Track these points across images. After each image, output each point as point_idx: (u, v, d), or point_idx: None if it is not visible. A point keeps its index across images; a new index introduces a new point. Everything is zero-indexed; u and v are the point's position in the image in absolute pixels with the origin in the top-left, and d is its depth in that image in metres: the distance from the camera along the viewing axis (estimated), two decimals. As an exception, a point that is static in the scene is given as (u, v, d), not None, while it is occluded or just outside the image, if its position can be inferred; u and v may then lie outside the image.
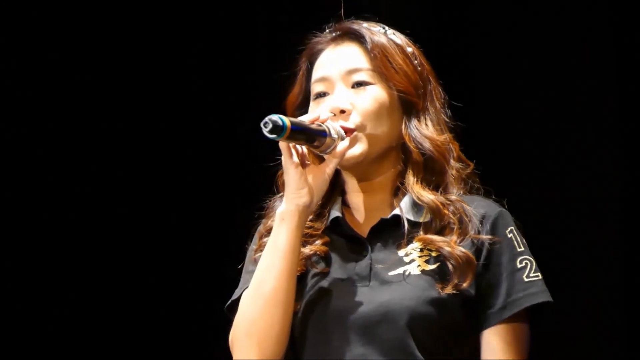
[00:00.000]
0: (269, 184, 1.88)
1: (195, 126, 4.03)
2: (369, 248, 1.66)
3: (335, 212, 1.70)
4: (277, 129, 1.60)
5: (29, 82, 3.99)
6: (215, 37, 3.97)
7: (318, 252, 1.65)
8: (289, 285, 1.59)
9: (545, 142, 3.31)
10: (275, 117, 1.60)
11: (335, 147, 1.65)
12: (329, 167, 1.65)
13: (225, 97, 4.03)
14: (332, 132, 1.65)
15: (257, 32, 4.03)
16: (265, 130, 1.60)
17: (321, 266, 1.64)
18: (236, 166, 3.99)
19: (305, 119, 1.66)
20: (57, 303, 4.12)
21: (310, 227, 1.66)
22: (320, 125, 1.64)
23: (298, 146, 1.65)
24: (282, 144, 1.66)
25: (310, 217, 1.67)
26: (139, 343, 4.08)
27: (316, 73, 1.74)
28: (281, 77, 1.91)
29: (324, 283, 1.62)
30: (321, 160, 1.68)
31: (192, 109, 4.05)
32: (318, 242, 1.65)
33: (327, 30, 1.78)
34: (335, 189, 1.72)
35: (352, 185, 1.73)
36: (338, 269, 1.64)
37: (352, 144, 1.65)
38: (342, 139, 1.65)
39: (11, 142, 4.00)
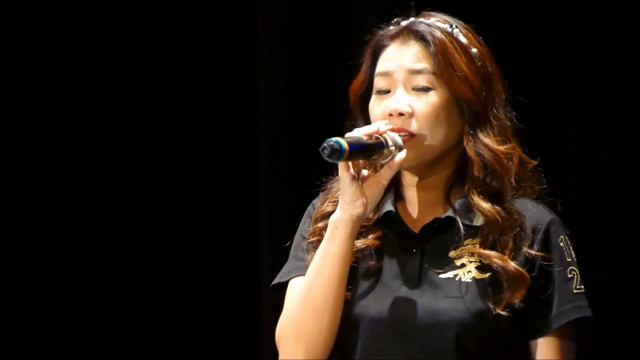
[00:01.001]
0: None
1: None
2: (420, 246, 1.66)
3: (389, 206, 1.70)
4: (336, 153, 1.61)
5: (30, 82, 4.02)
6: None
7: (370, 245, 1.66)
8: (338, 292, 1.60)
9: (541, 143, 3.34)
10: (333, 141, 1.61)
11: (392, 157, 1.65)
12: (385, 177, 1.66)
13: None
14: (390, 143, 1.65)
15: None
16: (324, 156, 1.61)
17: (372, 261, 1.65)
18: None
19: (363, 131, 1.66)
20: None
21: (374, 219, 1.70)
22: (378, 138, 1.64)
23: (374, 160, 1.68)
24: (359, 162, 1.67)
25: (377, 209, 1.71)
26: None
27: (380, 67, 1.71)
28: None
29: (374, 280, 1.64)
30: (377, 168, 1.69)
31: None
32: (371, 235, 1.66)
33: (395, 23, 1.74)
34: (390, 182, 1.70)
35: (407, 180, 1.72)
36: (388, 266, 1.65)
37: (408, 148, 1.65)
38: (400, 149, 1.65)
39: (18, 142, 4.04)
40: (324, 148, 1.61)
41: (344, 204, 1.63)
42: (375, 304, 1.63)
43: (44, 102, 4.08)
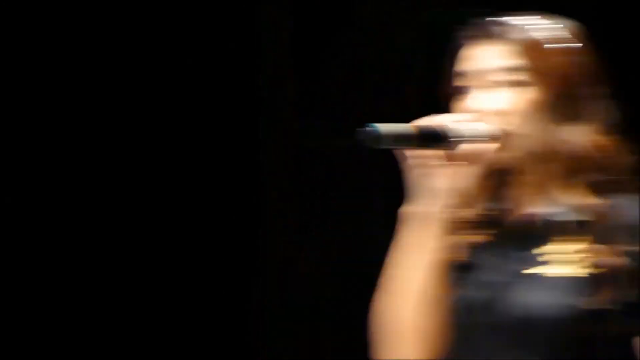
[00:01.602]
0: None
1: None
2: (525, 241, 1.63)
3: (494, 202, 1.66)
4: (372, 137, 1.57)
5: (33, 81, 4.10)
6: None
7: (474, 240, 1.63)
8: (434, 282, 1.60)
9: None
10: (370, 126, 1.56)
11: (473, 150, 1.61)
12: (471, 171, 1.60)
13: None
14: (460, 135, 1.61)
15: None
16: (364, 142, 1.54)
17: (475, 254, 1.63)
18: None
19: (426, 122, 1.61)
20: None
21: (467, 214, 1.64)
22: (441, 128, 1.59)
23: (437, 151, 1.60)
24: (413, 152, 1.61)
25: (471, 204, 1.64)
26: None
27: (464, 65, 1.67)
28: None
29: (477, 275, 1.62)
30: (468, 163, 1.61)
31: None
32: (475, 230, 1.63)
33: (481, 21, 1.69)
34: (497, 179, 1.66)
35: (511, 178, 1.65)
36: (490, 259, 1.63)
37: (501, 147, 1.59)
38: (485, 141, 1.62)
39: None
40: (361, 132, 1.55)
41: (430, 197, 1.62)
42: (475, 300, 1.59)
43: (47, 101, 4.16)
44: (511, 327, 1.56)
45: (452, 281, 1.60)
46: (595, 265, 1.55)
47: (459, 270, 1.61)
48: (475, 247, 1.62)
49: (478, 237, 1.62)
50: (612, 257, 1.56)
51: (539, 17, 1.65)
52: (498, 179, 1.63)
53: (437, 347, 1.60)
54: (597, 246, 1.57)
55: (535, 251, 1.58)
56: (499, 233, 1.63)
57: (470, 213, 1.63)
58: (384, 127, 1.56)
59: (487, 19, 1.64)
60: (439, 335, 1.59)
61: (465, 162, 1.59)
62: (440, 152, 1.59)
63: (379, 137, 1.55)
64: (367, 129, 1.54)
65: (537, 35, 1.61)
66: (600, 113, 1.61)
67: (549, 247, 1.58)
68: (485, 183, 1.63)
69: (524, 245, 1.59)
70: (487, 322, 1.57)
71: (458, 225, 1.63)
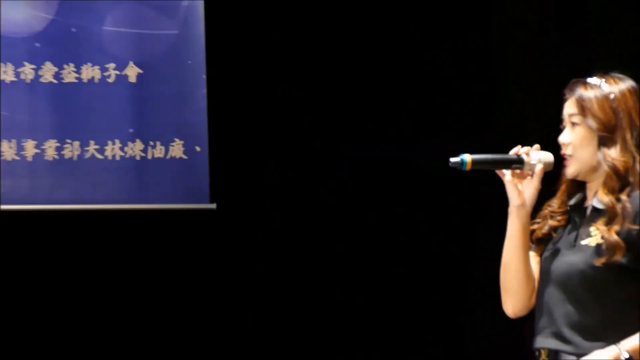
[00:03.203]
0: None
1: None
2: (580, 224, 2.49)
3: (572, 201, 2.52)
4: (459, 164, 2.46)
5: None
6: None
7: (556, 225, 2.53)
8: (520, 255, 2.48)
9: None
10: (460, 157, 2.47)
11: (533, 168, 2.49)
12: (534, 182, 2.50)
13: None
14: (532, 159, 2.50)
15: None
16: (451, 164, 2.47)
17: (557, 233, 2.48)
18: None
19: (512, 151, 2.49)
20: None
21: (555, 208, 2.54)
22: (518, 156, 2.49)
23: (512, 170, 2.50)
24: (502, 172, 2.49)
25: (554, 202, 2.54)
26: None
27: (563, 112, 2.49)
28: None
29: (554, 246, 2.51)
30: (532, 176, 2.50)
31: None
32: (558, 218, 2.53)
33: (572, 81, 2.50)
34: (571, 184, 2.53)
35: (578, 184, 2.52)
36: (563, 236, 2.52)
37: (567, 166, 2.43)
38: (542, 163, 2.48)
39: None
40: (453, 162, 2.48)
41: (510, 200, 2.49)
42: (549, 263, 2.48)
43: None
44: (559, 276, 2.45)
45: (545, 251, 2.52)
46: (612, 239, 2.39)
47: (545, 241, 2.53)
48: (556, 227, 2.53)
49: (559, 221, 2.53)
50: (612, 234, 2.39)
51: (605, 77, 2.47)
52: (571, 184, 2.54)
53: (531, 288, 2.52)
54: (605, 230, 2.40)
55: (584, 230, 2.47)
56: (570, 218, 2.53)
57: (552, 207, 2.54)
58: (473, 156, 2.47)
59: (574, 80, 2.53)
60: (530, 281, 2.52)
61: (536, 178, 2.49)
62: (515, 171, 2.51)
63: (463, 162, 2.46)
64: (459, 157, 2.46)
65: (589, 94, 2.47)
66: (627, 141, 2.45)
67: (590, 227, 2.46)
68: (563, 188, 2.54)
69: (580, 225, 2.50)
70: (551, 273, 2.47)
71: (544, 215, 2.54)
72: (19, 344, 5.86)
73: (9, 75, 4.68)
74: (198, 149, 5.03)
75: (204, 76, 4.90)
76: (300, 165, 5.50)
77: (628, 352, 2.36)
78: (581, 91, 2.49)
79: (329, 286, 5.65)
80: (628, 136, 2.45)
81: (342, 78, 5.65)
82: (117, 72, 4.69)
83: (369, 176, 5.40)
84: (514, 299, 2.57)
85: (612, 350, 2.36)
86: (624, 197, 2.43)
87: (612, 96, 2.46)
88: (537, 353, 2.48)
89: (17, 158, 4.79)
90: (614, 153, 2.45)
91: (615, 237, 2.40)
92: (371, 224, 5.47)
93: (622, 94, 2.48)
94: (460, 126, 5.44)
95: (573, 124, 2.50)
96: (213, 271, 5.65)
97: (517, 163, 2.51)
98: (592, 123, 2.46)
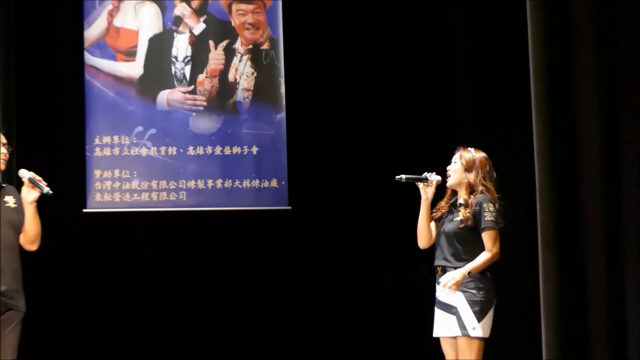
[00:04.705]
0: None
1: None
2: (453, 210, 4.67)
3: (451, 200, 4.74)
4: (401, 179, 4.61)
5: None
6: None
7: (444, 212, 4.68)
8: (425, 223, 4.65)
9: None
10: (398, 177, 4.57)
11: (432, 183, 4.65)
12: (432, 189, 4.69)
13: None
14: (431, 178, 4.64)
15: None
16: (400, 180, 4.63)
17: (444, 216, 4.70)
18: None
19: (423, 174, 4.65)
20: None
21: (443, 204, 4.69)
22: (427, 177, 4.65)
23: (423, 183, 4.69)
24: (418, 184, 4.64)
25: (443, 202, 4.68)
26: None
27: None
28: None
29: (443, 220, 4.65)
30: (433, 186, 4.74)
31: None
32: (444, 208, 4.67)
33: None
34: (453, 193, 4.71)
35: (454, 192, 4.73)
36: (447, 216, 4.68)
37: (449, 181, 4.64)
38: (434, 180, 4.64)
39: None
40: (399, 179, 4.60)
41: (421, 197, 4.67)
42: (440, 226, 4.68)
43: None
44: (446, 233, 4.59)
45: (440, 222, 4.54)
46: (466, 215, 4.53)
47: (439, 219, 4.53)
48: (444, 213, 4.54)
49: (445, 209, 4.56)
50: (466, 213, 4.53)
51: (470, 151, 4.60)
52: (451, 192, 4.59)
53: (430, 237, 4.54)
54: (462, 212, 4.55)
55: (455, 213, 4.51)
56: (450, 208, 4.52)
57: (442, 204, 4.59)
58: (406, 175, 4.58)
59: (460, 146, 4.69)
60: (429, 234, 4.55)
61: (432, 187, 4.56)
62: (424, 183, 4.58)
63: (400, 179, 4.61)
64: (400, 176, 4.49)
65: (465, 153, 4.59)
66: (479, 174, 4.54)
67: (459, 211, 4.49)
68: (447, 193, 4.58)
69: (454, 211, 4.52)
70: (442, 231, 4.50)
71: (438, 207, 4.58)
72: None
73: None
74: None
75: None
76: (354, 174, 6.67)
77: (470, 270, 4.47)
78: (462, 152, 4.73)
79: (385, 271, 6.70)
80: (479, 172, 4.67)
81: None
82: (250, 150, 6.94)
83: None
84: (422, 241, 4.74)
85: (461, 270, 4.49)
86: (472, 198, 4.65)
87: (474, 156, 4.71)
88: (436, 269, 4.62)
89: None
90: (470, 178, 4.69)
91: (468, 215, 4.61)
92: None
93: (480, 157, 4.71)
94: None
95: (455, 162, 4.72)
96: (290, 258, 6.92)
97: (425, 180, 4.73)
98: (463, 163, 4.70)
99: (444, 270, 4.60)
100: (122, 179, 6.76)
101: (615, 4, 5.19)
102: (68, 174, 6.64)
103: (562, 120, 5.29)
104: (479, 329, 4.45)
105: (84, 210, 6.74)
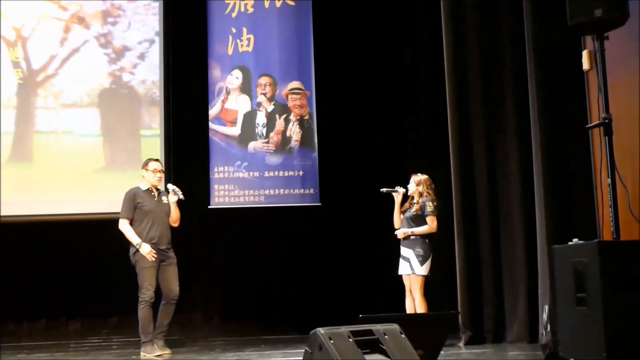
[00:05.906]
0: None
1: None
2: (411, 207, 8.02)
3: (411, 201, 7.89)
4: (383, 192, 7.74)
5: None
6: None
7: (406, 207, 8.03)
8: (398, 216, 8.10)
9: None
10: (381, 190, 7.76)
11: (399, 192, 7.81)
12: (400, 195, 7.83)
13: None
14: (399, 190, 7.69)
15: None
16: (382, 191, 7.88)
17: (407, 210, 8.07)
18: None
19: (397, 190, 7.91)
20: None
21: (407, 204, 8.07)
22: (397, 188, 7.83)
23: (395, 193, 7.88)
24: (392, 194, 7.84)
25: (407, 202, 7.94)
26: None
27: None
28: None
29: (405, 212, 8.11)
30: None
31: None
32: (406, 205, 7.95)
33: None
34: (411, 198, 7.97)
35: (412, 196, 7.87)
36: (407, 210, 8.06)
37: (409, 190, 7.86)
38: (402, 191, 7.76)
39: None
40: (382, 191, 7.87)
41: (395, 200, 8.11)
42: (404, 216, 7.67)
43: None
44: (405, 219, 7.87)
45: (402, 212, 7.98)
46: (416, 208, 7.77)
47: (404, 212, 7.95)
48: (406, 207, 7.89)
49: (407, 206, 7.89)
50: (415, 207, 7.78)
51: (418, 174, 7.96)
52: (411, 197, 7.98)
53: (399, 223, 7.99)
54: (418, 206, 7.72)
55: (412, 207, 7.97)
56: (409, 205, 7.94)
57: (407, 203, 7.94)
58: (385, 189, 7.81)
59: (414, 173, 8.04)
60: (400, 220, 7.98)
61: (399, 194, 7.91)
62: (397, 193, 7.92)
63: (383, 193, 7.84)
64: (382, 189, 7.84)
65: (416, 176, 7.92)
66: (424, 187, 7.90)
67: (410, 208, 8.03)
68: (409, 197, 7.99)
69: (411, 206, 7.99)
70: (404, 219, 7.90)
71: (404, 206, 7.93)
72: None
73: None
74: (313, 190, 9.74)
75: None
76: (378, 175, 8.89)
77: (412, 231, 7.29)
78: (414, 176, 7.50)
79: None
80: (424, 186, 7.60)
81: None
82: (298, 173, 8.86)
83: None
84: (396, 224, 7.29)
85: (409, 229, 7.34)
86: (420, 199, 7.61)
87: (421, 178, 7.60)
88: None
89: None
90: (419, 189, 7.57)
91: (417, 208, 7.49)
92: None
93: (424, 178, 7.54)
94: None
95: (411, 182, 7.51)
96: (320, 248, 9.42)
97: (396, 191, 7.53)
98: (417, 180, 7.51)
99: None
100: (229, 189, 9.82)
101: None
102: (199, 187, 9.60)
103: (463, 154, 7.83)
104: (421, 270, 7.13)
105: (209, 206, 9.83)
